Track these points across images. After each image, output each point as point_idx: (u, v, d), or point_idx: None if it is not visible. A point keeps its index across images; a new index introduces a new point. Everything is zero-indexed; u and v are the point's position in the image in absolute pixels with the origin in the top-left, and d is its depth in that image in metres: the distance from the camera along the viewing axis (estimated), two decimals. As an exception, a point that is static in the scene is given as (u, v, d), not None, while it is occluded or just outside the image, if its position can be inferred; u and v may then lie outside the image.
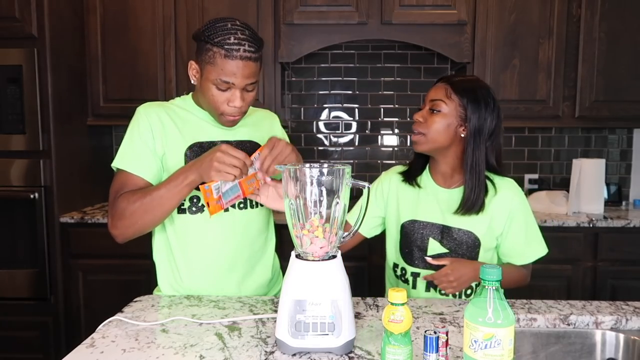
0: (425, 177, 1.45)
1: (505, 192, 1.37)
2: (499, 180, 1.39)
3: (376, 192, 1.51)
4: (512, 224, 1.36)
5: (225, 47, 1.19)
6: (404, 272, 1.45)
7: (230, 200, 1.26)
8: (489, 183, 1.37)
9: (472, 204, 1.33)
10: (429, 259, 1.35)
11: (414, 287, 1.42)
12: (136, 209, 1.23)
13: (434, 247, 1.38)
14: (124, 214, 1.24)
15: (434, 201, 1.41)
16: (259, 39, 1.26)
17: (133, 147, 1.29)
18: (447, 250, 1.38)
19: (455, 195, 1.39)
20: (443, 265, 1.32)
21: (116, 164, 1.30)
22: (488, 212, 1.36)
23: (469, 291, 1.39)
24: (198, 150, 1.32)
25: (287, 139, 1.52)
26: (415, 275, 1.42)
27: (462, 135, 1.34)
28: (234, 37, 1.20)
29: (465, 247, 1.37)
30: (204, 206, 1.32)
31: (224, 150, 1.17)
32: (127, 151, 1.30)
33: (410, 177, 1.45)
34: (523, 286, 1.42)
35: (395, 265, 1.48)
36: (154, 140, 1.30)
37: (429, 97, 1.37)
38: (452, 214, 1.37)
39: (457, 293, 1.37)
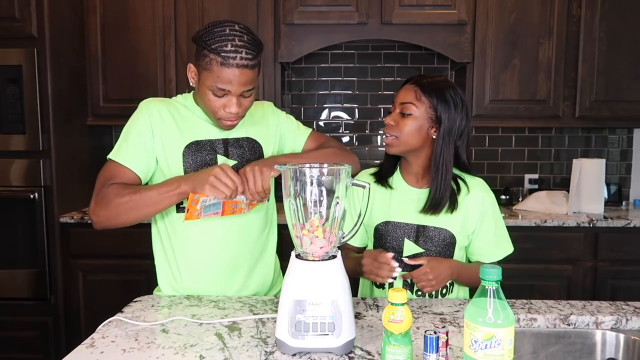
0: (397, 178, 1.44)
1: (477, 192, 1.38)
2: (469, 179, 1.40)
3: (355, 203, 1.47)
4: (483, 223, 1.38)
5: (222, 54, 1.18)
6: None
7: (209, 214, 1.24)
8: (461, 182, 1.38)
9: (437, 202, 1.33)
10: (405, 260, 1.33)
11: None
12: (123, 203, 1.22)
13: (410, 247, 1.38)
14: (109, 204, 1.23)
15: (407, 201, 1.40)
16: (258, 45, 1.24)
17: (128, 141, 1.31)
18: (423, 250, 1.37)
19: (427, 195, 1.38)
20: (419, 265, 1.31)
21: (112, 155, 1.32)
22: (462, 210, 1.36)
23: (444, 290, 1.39)
24: (195, 149, 1.32)
25: (282, 116, 1.49)
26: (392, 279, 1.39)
27: (434, 137, 1.34)
28: (231, 44, 1.18)
29: (442, 245, 1.36)
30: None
31: (224, 169, 1.18)
32: (122, 144, 1.32)
33: (382, 178, 1.44)
34: None
35: None
36: (152, 138, 1.30)
37: (398, 100, 1.35)
38: (418, 212, 1.36)
39: (432, 295, 1.37)
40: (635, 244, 2.44)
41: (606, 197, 2.79)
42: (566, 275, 2.46)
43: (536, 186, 2.98)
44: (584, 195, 2.61)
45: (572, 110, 2.67)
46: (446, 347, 0.88)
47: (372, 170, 1.50)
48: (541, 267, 2.44)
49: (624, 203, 2.93)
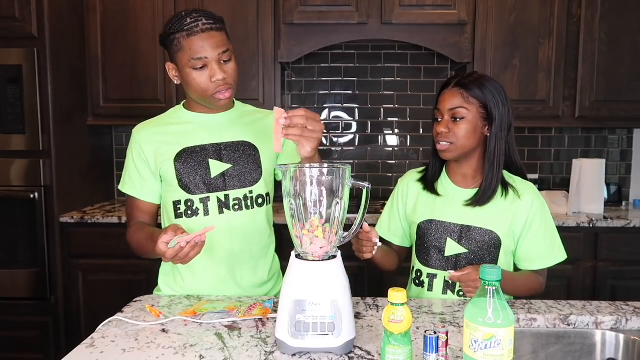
0: (444, 180, 1.44)
1: (526, 196, 1.36)
2: (520, 183, 1.39)
3: (398, 200, 1.49)
4: (531, 228, 1.35)
5: (185, 28, 1.23)
6: (419, 274, 1.42)
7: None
8: (511, 184, 1.37)
9: (484, 195, 1.34)
10: (452, 273, 1.25)
11: (430, 289, 1.39)
12: (135, 248, 1.36)
13: (452, 247, 1.36)
14: (130, 245, 1.38)
15: (453, 201, 1.39)
16: (216, 16, 1.29)
17: (130, 173, 1.39)
18: (465, 251, 1.35)
19: (473, 194, 1.38)
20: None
21: (120, 186, 1.42)
22: (510, 213, 1.34)
23: None
24: (187, 156, 1.34)
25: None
26: (432, 277, 1.39)
27: (488, 135, 1.35)
28: (189, 18, 1.24)
29: (486, 247, 1.34)
30: (198, 209, 1.35)
31: (170, 258, 1.13)
32: (126, 176, 1.40)
33: (429, 184, 1.44)
34: (539, 294, 1.38)
35: (412, 268, 1.48)
36: (146, 162, 1.36)
37: (445, 107, 1.34)
38: (463, 205, 1.36)
39: None
40: (635, 244, 2.44)
41: (606, 197, 2.79)
42: (566, 275, 2.46)
43: (536, 186, 2.97)
44: (584, 196, 2.61)
45: (572, 110, 2.66)
46: (446, 347, 0.88)
47: (418, 175, 1.50)
48: (541, 267, 2.44)
49: (624, 203, 2.93)
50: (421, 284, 1.41)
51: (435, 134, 1.37)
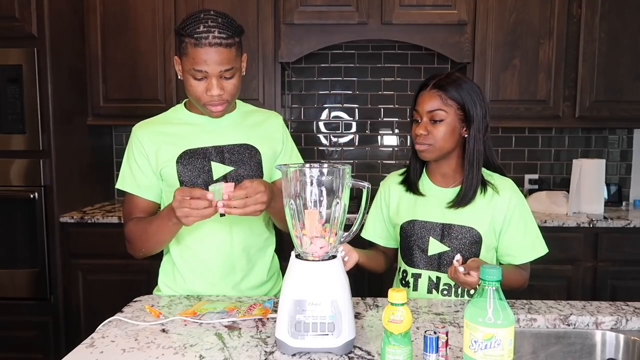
0: (424, 180, 1.45)
1: (504, 192, 1.38)
2: (498, 180, 1.40)
3: (381, 203, 1.51)
4: (510, 222, 1.37)
5: (195, 35, 1.21)
6: (404, 274, 1.44)
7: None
8: (489, 181, 1.38)
9: (466, 197, 1.35)
10: (456, 264, 1.23)
11: (415, 289, 1.41)
12: (138, 238, 1.32)
13: (435, 246, 1.38)
14: (131, 242, 1.35)
15: (433, 200, 1.41)
16: (235, 27, 1.25)
17: (131, 170, 1.36)
18: (448, 249, 1.37)
19: (454, 194, 1.39)
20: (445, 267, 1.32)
21: (118, 185, 1.39)
22: (489, 209, 1.36)
23: (472, 291, 1.39)
24: (188, 158, 1.33)
25: (291, 141, 1.50)
26: (417, 277, 1.41)
27: (465, 136, 1.36)
28: (203, 26, 1.21)
29: (467, 245, 1.36)
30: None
31: (179, 200, 1.13)
32: (126, 174, 1.37)
33: (411, 184, 1.45)
34: (522, 288, 1.40)
35: (398, 269, 1.49)
36: (147, 159, 1.34)
37: (424, 109, 1.34)
38: (445, 207, 1.37)
39: (458, 294, 1.38)
40: (635, 244, 2.44)
41: (606, 197, 2.79)
42: (566, 276, 2.46)
43: (536, 186, 2.98)
44: (584, 196, 2.61)
45: (572, 110, 2.67)
46: (446, 347, 0.88)
47: (399, 177, 1.50)
48: (541, 267, 2.42)
49: (624, 203, 2.93)
50: (407, 284, 1.43)
51: (413, 135, 1.38)
